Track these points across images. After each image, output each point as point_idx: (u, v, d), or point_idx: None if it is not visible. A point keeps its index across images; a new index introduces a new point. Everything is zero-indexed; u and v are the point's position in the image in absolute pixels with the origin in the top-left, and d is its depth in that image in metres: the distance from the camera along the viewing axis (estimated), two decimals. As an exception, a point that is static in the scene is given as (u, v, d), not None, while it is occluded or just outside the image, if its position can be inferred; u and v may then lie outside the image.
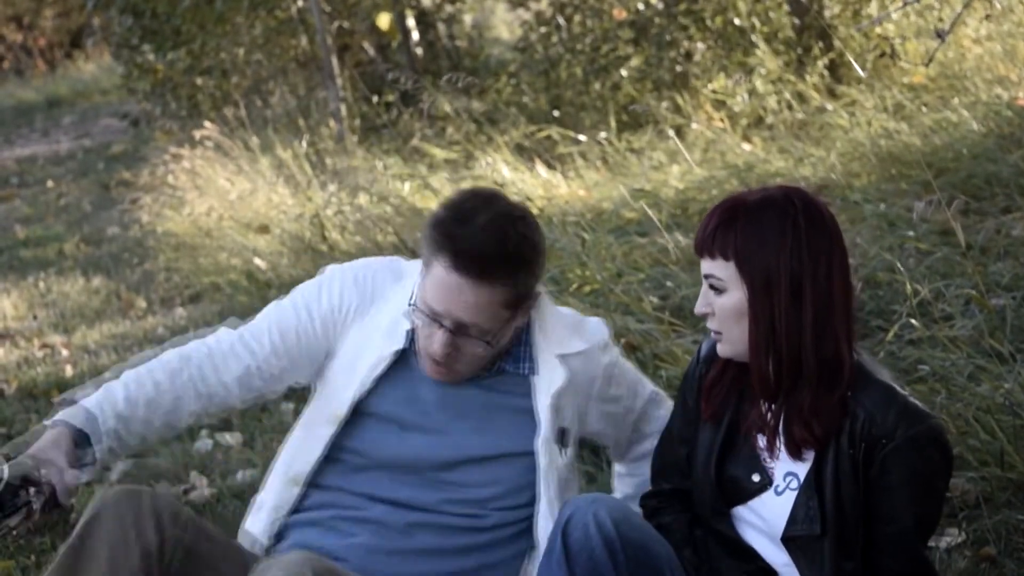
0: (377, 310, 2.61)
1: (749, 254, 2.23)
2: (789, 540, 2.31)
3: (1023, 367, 3.28)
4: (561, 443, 2.58)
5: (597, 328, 2.68)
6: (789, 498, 2.31)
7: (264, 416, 4.50)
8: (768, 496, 2.34)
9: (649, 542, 2.33)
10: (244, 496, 3.67)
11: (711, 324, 2.30)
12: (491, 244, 2.43)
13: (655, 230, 4.57)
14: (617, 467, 2.88)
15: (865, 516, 2.27)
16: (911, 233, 4.34)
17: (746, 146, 6.32)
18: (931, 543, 2.96)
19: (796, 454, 2.29)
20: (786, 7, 7.31)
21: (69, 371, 5.56)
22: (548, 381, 2.56)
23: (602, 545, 2.26)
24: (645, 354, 3.97)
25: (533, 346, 2.58)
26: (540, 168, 6.52)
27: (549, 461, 2.55)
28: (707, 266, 2.28)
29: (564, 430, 2.59)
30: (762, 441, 2.34)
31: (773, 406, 2.31)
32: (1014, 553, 2.95)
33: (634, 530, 2.32)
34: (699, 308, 2.30)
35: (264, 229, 7.14)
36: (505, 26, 12.51)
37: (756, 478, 2.34)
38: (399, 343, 2.57)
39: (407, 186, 6.64)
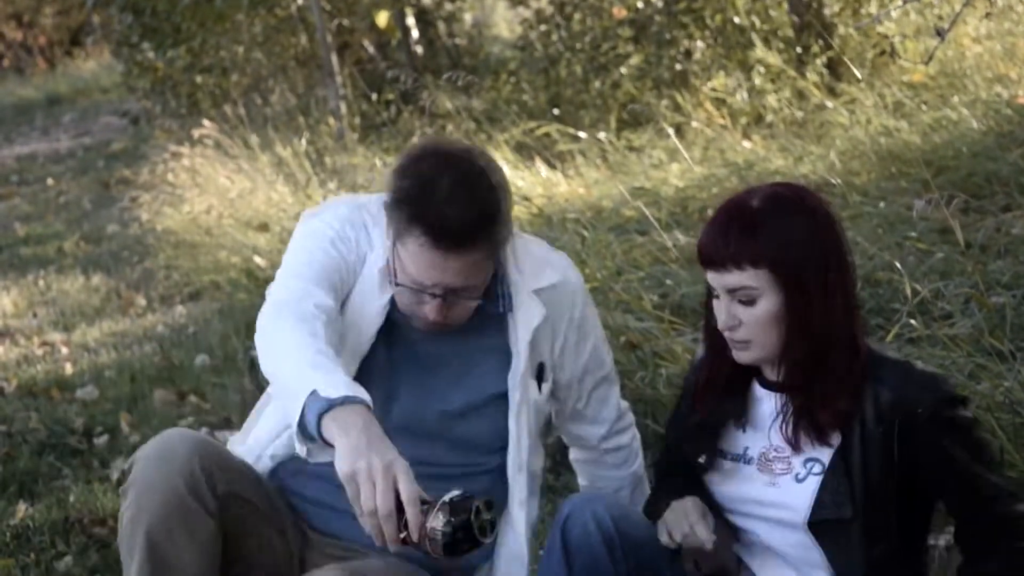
0: (370, 261, 2.55)
1: (781, 257, 2.21)
2: (815, 525, 2.29)
3: (1023, 365, 3.28)
4: (539, 379, 2.56)
5: (562, 260, 2.67)
6: (812, 483, 2.29)
7: (264, 414, 4.49)
8: (787, 483, 2.32)
9: (648, 539, 2.33)
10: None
11: (738, 335, 2.26)
12: (464, 212, 2.36)
13: (655, 228, 4.57)
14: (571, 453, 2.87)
15: (931, 493, 2.30)
16: (911, 232, 4.34)
17: (746, 144, 6.32)
18: (931, 541, 2.96)
19: (822, 439, 2.28)
20: (786, 5, 7.31)
21: (69, 369, 5.56)
22: (526, 317, 2.54)
23: (601, 542, 2.28)
24: (645, 352, 3.97)
25: (508, 283, 2.56)
26: (540, 166, 6.52)
27: (521, 396, 2.53)
28: (734, 279, 2.23)
29: (542, 365, 2.57)
30: (774, 436, 2.34)
31: (790, 398, 2.30)
32: (1014, 551, 2.95)
33: (633, 527, 2.33)
34: (725, 323, 2.25)
35: (264, 227, 7.14)
36: (505, 24, 12.50)
37: (735, 452, 2.38)
38: (386, 296, 2.51)
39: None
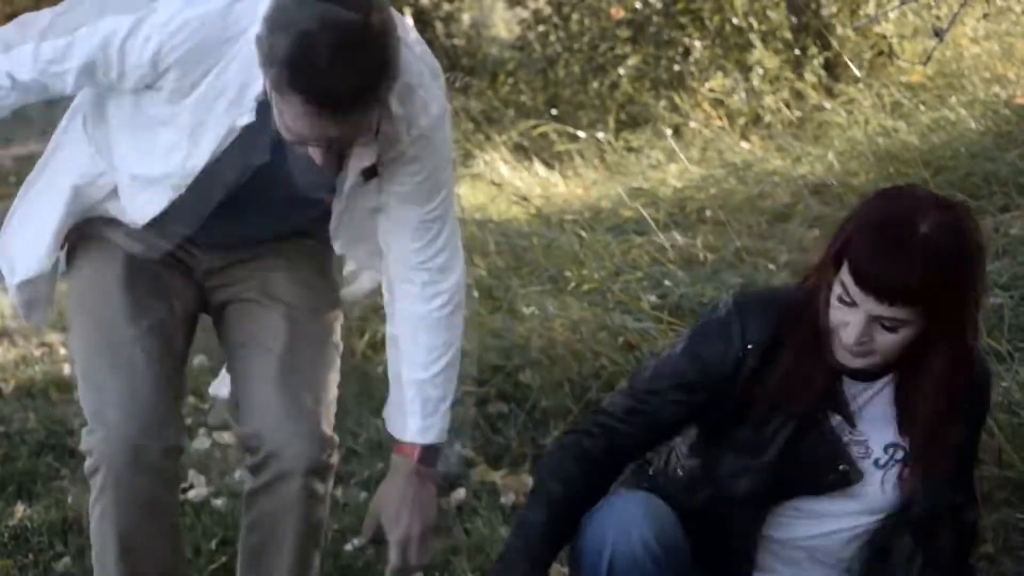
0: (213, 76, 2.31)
1: (942, 297, 2.10)
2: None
3: (1021, 366, 3.28)
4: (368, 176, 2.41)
5: (439, 90, 2.42)
6: (892, 473, 2.27)
7: (262, 415, 4.49)
8: (865, 467, 2.28)
9: (680, 540, 2.27)
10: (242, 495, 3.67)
11: (864, 348, 2.14)
12: (349, 77, 2.11)
13: (653, 229, 4.57)
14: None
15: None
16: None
17: (744, 145, 6.32)
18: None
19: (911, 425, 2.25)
20: (784, 6, 7.31)
21: (67, 370, 5.55)
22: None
23: (651, 563, 2.20)
24: (643, 353, 3.97)
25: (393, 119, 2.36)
26: (538, 166, 6.52)
27: (349, 195, 2.42)
28: (887, 311, 2.10)
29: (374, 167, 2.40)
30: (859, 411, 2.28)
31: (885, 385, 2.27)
32: (1012, 551, 2.95)
33: (670, 536, 2.25)
34: (857, 340, 2.12)
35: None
36: (503, 24, 12.49)
37: (842, 467, 2.26)
38: (248, 117, 2.31)
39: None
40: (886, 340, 2.13)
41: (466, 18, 10.96)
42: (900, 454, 2.27)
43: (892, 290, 2.08)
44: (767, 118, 6.70)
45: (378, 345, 4.59)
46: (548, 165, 6.62)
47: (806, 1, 7.13)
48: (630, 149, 6.79)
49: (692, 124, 6.74)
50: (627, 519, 2.20)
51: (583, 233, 4.77)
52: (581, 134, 6.88)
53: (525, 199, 5.61)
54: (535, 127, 7.01)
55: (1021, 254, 4.07)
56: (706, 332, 2.29)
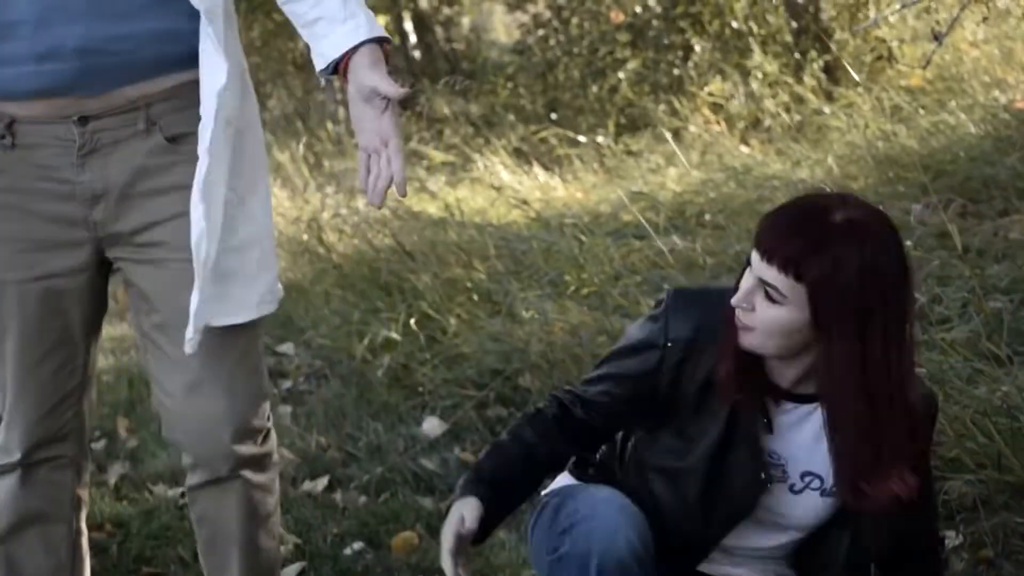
0: None
1: (826, 289, 2.05)
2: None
3: (1021, 370, 3.28)
4: None
5: None
6: (811, 498, 2.24)
7: (261, 419, 4.49)
8: (781, 492, 2.25)
9: (648, 529, 2.23)
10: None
11: (747, 320, 2.12)
12: None
13: (652, 233, 4.57)
14: None
15: None
16: (909, 237, 4.34)
17: (743, 149, 6.32)
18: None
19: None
20: (783, 10, 7.32)
21: None
22: None
23: (637, 566, 2.17)
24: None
25: None
26: (538, 171, 6.53)
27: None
28: (769, 273, 2.08)
29: None
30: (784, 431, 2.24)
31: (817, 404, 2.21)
32: (1012, 555, 2.95)
33: (643, 526, 2.22)
34: (740, 300, 2.11)
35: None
36: (503, 28, 12.50)
37: (763, 475, 2.22)
38: None
39: (405, 189, 6.63)
40: (766, 314, 2.09)
41: (466, 22, 10.98)
42: (816, 483, 2.24)
43: (773, 244, 2.07)
44: (767, 122, 6.70)
45: (377, 349, 4.59)
46: (548, 169, 6.63)
47: (805, 5, 7.14)
48: (630, 153, 6.79)
49: (692, 128, 6.74)
50: (610, 524, 2.18)
51: (583, 237, 4.77)
52: (581, 138, 6.89)
53: (525, 203, 5.61)
54: (535, 132, 7.02)
55: (1020, 258, 4.07)
56: (640, 325, 2.30)
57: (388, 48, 2.26)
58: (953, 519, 3.05)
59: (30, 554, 2.44)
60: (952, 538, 3.01)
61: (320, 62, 2.27)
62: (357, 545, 3.43)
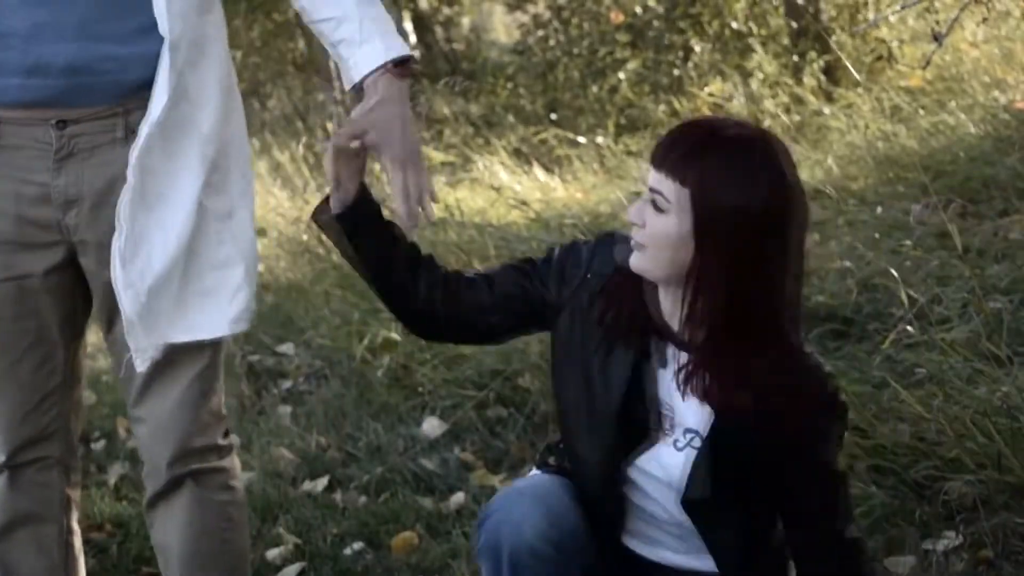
0: None
1: (708, 192, 2.06)
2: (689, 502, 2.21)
3: (1020, 370, 3.27)
4: None
5: None
6: (689, 456, 2.18)
7: (261, 420, 4.50)
8: (665, 448, 2.20)
9: (572, 509, 2.22)
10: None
11: (638, 236, 2.13)
12: None
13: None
14: None
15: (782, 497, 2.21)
16: (909, 237, 4.34)
17: (743, 149, 6.32)
18: (928, 546, 2.97)
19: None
20: (783, 10, 7.33)
21: None
22: None
23: (553, 551, 2.16)
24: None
25: None
26: (538, 171, 6.53)
27: None
28: (657, 181, 2.10)
29: None
30: (670, 382, 2.19)
31: (690, 353, 2.17)
32: (1011, 556, 2.95)
33: (562, 508, 2.20)
34: (632, 217, 2.13)
35: (261, 232, 7.13)
36: (503, 29, 12.51)
37: (657, 420, 2.20)
38: None
39: (404, 189, 6.63)
40: (655, 226, 2.10)
41: (466, 22, 10.99)
42: (697, 442, 2.18)
43: (663, 152, 2.10)
44: (766, 122, 6.70)
45: (377, 349, 4.59)
46: (547, 169, 6.63)
47: (805, 5, 7.14)
48: (629, 153, 6.80)
49: (691, 128, 6.74)
50: (516, 514, 2.18)
51: (582, 237, 4.77)
52: (581, 138, 6.89)
53: (524, 203, 5.61)
54: (535, 132, 7.02)
55: (1020, 258, 4.07)
56: (573, 245, 2.35)
57: (412, 65, 2.29)
58: (953, 519, 3.05)
59: (23, 555, 2.44)
60: (952, 538, 3.01)
61: (347, 83, 2.34)
62: (357, 545, 3.43)
